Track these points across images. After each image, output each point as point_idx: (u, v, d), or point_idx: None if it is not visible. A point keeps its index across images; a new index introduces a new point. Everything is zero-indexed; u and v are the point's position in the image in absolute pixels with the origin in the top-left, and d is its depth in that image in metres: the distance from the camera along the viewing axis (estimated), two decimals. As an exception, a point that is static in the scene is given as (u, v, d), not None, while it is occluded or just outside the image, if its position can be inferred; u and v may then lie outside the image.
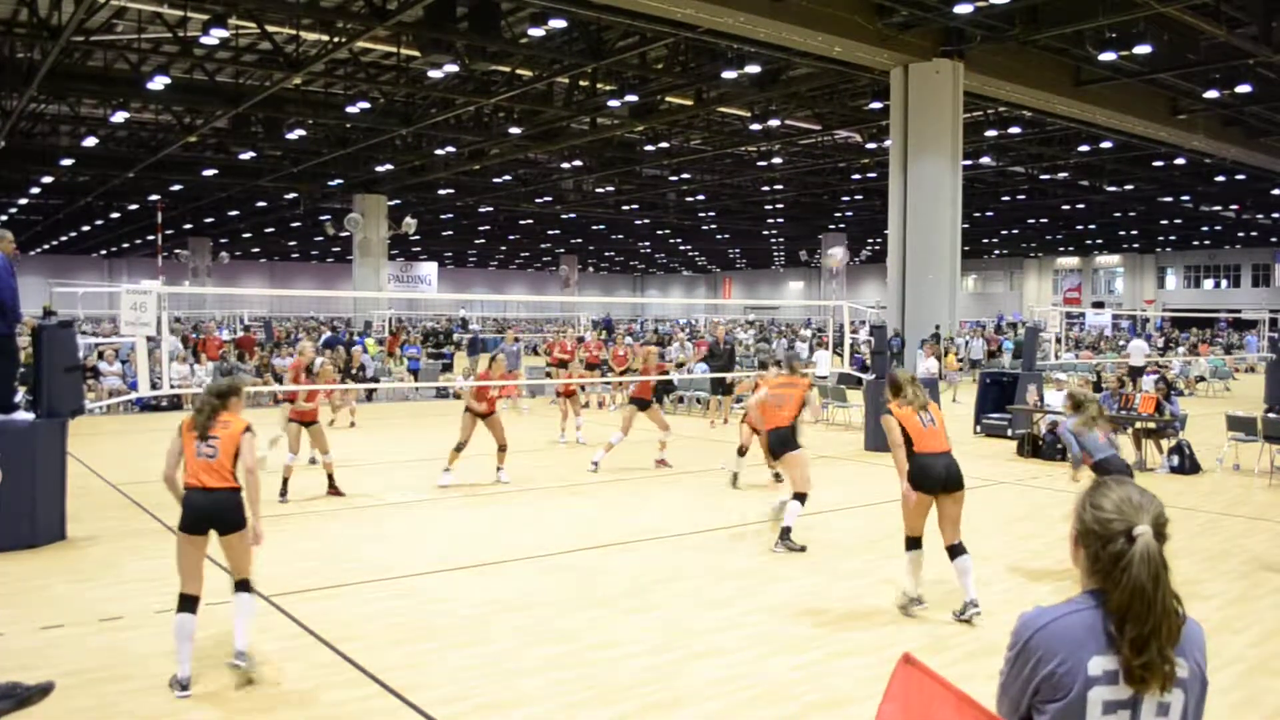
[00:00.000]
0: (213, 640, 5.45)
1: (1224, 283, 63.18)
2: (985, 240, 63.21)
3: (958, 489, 6.04)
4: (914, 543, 6.19)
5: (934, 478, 5.98)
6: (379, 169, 35.88)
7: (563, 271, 74.27)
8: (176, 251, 55.52)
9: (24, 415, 7.86)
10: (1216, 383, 24.83)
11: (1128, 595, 1.79)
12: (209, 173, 35.75)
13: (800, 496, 7.83)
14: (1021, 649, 1.87)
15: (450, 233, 61.52)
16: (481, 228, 59.07)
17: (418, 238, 54.92)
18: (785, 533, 7.79)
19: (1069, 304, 62.46)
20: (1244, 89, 23.22)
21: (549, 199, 45.01)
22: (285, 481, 9.72)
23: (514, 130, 28.62)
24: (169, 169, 34.51)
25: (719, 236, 64.77)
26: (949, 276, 23.60)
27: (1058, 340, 21.89)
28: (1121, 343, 33.85)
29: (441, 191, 42.70)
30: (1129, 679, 1.79)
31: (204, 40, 18.78)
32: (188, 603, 4.88)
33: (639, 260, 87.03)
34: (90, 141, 30.14)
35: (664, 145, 32.89)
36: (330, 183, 38.88)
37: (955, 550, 6.03)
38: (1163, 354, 30.19)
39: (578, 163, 36.09)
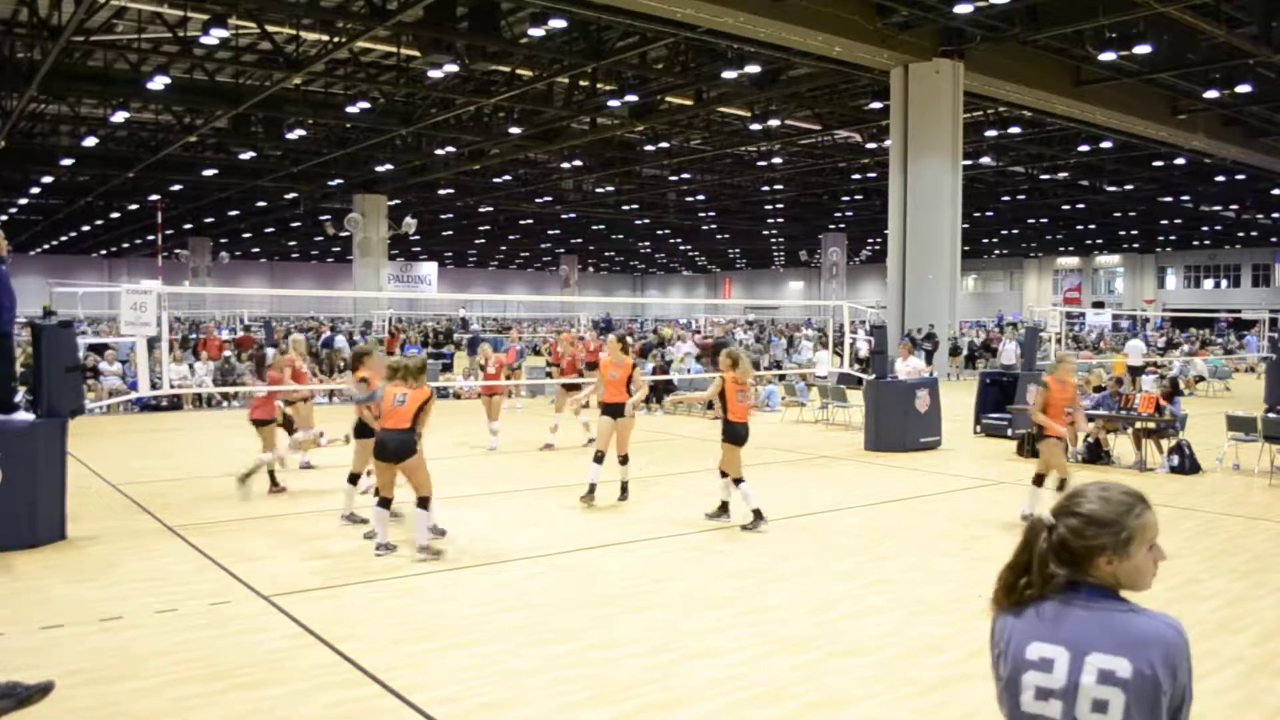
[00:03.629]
0: (216, 647, 5.45)
1: (1224, 283, 63.20)
2: (985, 240, 63.22)
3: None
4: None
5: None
6: (379, 169, 35.90)
7: (563, 271, 74.27)
8: (176, 251, 55.52)
9: (24, 415, 7.86)
10: (1216, 383, 24.84)
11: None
12: (209, 173, 35.76)
13: None
14: (991, 631, 2.03)
15: (450, 233, 61.54)
16: (481, 228, 59.08)
17: (418, 238, 54.95)
18: None
19: (1069, 304, 62.45)
20: (1244, 89, 23.24)
21: (549, 199, 45.03)
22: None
23: (514, 130, 28.63)
24: (169, 169, 34.53)
25: (719, 236, 64.78)
26: (949, 276, 23.62)
27: (1058, 340, 21.88)
28: (1122, 343, 33.82)
29: (441, 191, 42.71)
30: None
31: (204, 40, 18.80)
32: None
33: (639, 260, 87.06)
34: (90, 141, 30.15)
35: (664, 145, 32.91)
36: (330, 183, 38.90)
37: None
38: (1163, 354, 30.16)
39: (578, 163, 36.10)
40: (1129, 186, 39.87)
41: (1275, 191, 39.48)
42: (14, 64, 21.94)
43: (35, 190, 40.16)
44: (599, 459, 9.32)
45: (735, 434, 8.39)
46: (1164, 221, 51.97)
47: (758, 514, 8.37)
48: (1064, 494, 2.00)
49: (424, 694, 4.69)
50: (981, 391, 15.97)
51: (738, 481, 8.42)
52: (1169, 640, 1.83)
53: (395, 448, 7.22)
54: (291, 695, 4.67)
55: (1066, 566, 1.91)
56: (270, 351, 11.71)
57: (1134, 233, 58.41)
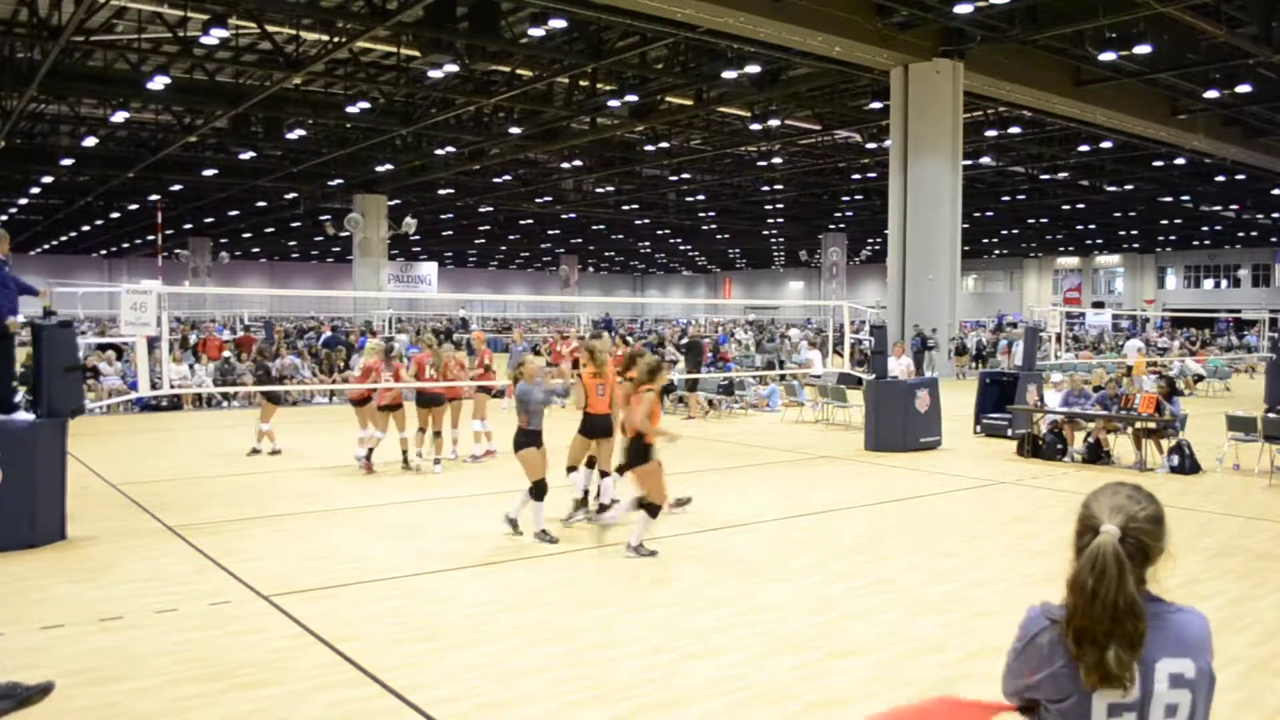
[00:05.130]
0: (216, 647, 5.45)
1: (1224, 283, 63.21)
2: (985, 240, 63.23)
3: None
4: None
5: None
6: (379, 169, 35.89)
7: (563, 271, 74.30)
8: (176, 251, 55.55)
9: (24, 415, 7.85)
10: (1216, 383, 24.83)
11: (1069, 586, 1.81)
12: (209, 173, 35.77)
13: None
14: (1028, 645, 1.87)
15: (450, 233, 61.54)
16: (481, 228, 59.09)
17: (418, 238, 54.95)
18: None
19: (1069, 304, 62.47)
20: (1244, 89, 23.24)
21: (549, 199, 45.03)
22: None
23: (514, 130, 28.63)
24: (169, 169, 34.54)
25: (719, 236, 64.78)
26: (949, 276, 23.62)
27: (1058, 340, 21.89)
28: (1121, 342, 33.79)
29: (441, 191, 42.72)
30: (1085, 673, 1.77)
31: (204, 40, 18.80)
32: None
33: (639, 260, 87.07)
34: (90, 141, 30.15)
35: (664, 145, 32.91)
36: (330, 183, 38.90)
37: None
38: (1162, 354, 30.14)
39: (578, 163, 36.11)
40: (1129, 186, 39.87)
41: (1275, 191, 39.47)
42: (14, 64, 21.94)
43: (35, 190, 40.18)
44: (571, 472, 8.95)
45: (594, 427, 8.72)
46: (1164, 221, 51.97)
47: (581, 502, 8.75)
48: (1106, 506, 1.85)
49: (424, 694, 4.69)
50: (981, 391, 15.96)
51: (571, 470, 8.76)
52: (1209, 632, 1.86)
53: (628, 457, 7.54)
54: (291, 695, 4.67)
55: (1140, 582, 1.82)
56: (397, 345, 12.41)
57: (1134, 233, 58.41)
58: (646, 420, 7.46)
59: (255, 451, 12.76)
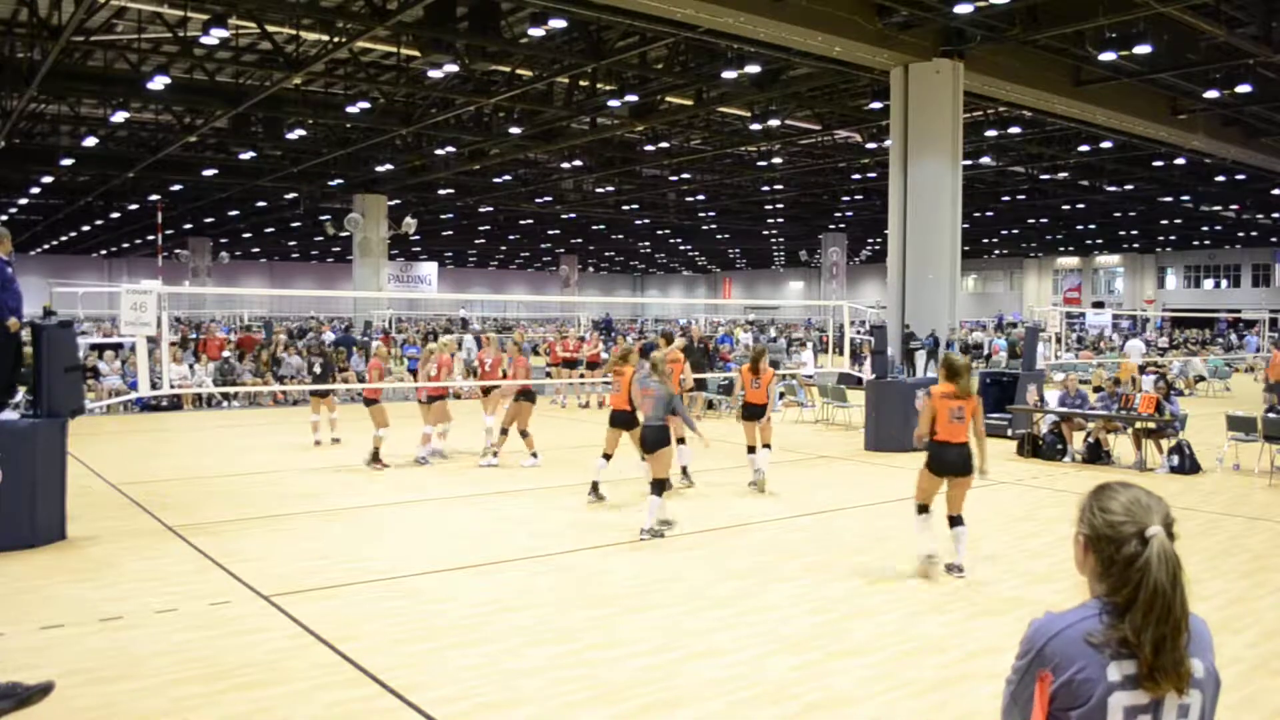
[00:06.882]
0: (216, 647, 5.46)
1: (1224, 283, 63.19)
2: (985, 240, 63.20)
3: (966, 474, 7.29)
4: (922, 509, 7.39)
5: (948, 463, 7.37)
6: (379, 169, 35.86)
7: (563, 271, 74.29)
8: (176, 251, 55.51)
9: (10, 414, 7.78)
10: (1216, 383, 24.83)
11: (1149, 596, 1.77)
12: (209, 173, 35.73)
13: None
14: (1035, 656, 1.81)
15: (450, 233, 61.51)
16: (481, 228, 59.05)
17: (418, 238, 54.92)
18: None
19: (1069, 304, 62.46)
20: (1244, 89, 23.20)
21: (549, 199, 45.00)
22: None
23: (514, 130, 28.60)
24: (169, 169, 34.50)
25: (719, 236, 64.76)
26: (949, 276, 23.58)
27: (1057, 340, 21.88)
28: (1120, 342, 33.81)
29: (441, 191, 42.68)
30: (1147, 682, 1.74)
31: (204, 40, 18.76)
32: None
33: (639, 260, 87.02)
34: (90, 141, 30.14)
35: (664, 145, 32.88)
36: (330, 183, 38.87)
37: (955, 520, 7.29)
38: (1163, 354, 30.15)
39: (578, 163, 36.08)
40: (1129, 186, 39.83)
41: (1275, 191, 39.44)
42: (14, 64, 21.93)
43: (35, 190, 40.15)
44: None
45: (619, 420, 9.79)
46: (1164, 221, 51.93)
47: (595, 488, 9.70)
48: (1135, 507, 1.86)
49: (424, 694, 4.69)
50: (981, 391, 15.93)
51: (607, 457, 9.76)
52: (1208, 632, 1.86)
53: (964, 464, 7.29)
54: (291, 695, 4.67)
55: None
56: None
57: (1134, 233, 58.39)
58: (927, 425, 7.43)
59: (336, 441, 13.67)
